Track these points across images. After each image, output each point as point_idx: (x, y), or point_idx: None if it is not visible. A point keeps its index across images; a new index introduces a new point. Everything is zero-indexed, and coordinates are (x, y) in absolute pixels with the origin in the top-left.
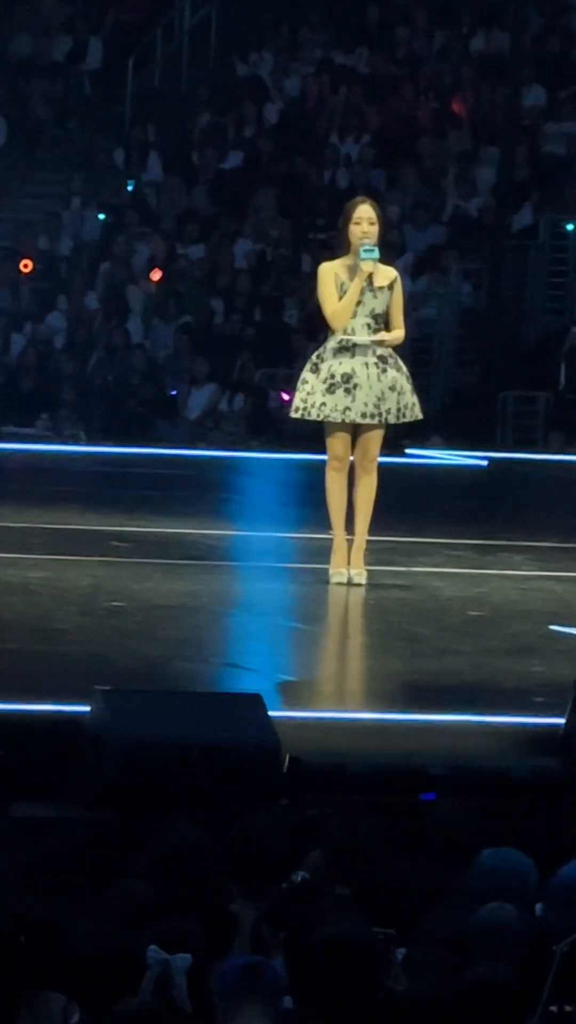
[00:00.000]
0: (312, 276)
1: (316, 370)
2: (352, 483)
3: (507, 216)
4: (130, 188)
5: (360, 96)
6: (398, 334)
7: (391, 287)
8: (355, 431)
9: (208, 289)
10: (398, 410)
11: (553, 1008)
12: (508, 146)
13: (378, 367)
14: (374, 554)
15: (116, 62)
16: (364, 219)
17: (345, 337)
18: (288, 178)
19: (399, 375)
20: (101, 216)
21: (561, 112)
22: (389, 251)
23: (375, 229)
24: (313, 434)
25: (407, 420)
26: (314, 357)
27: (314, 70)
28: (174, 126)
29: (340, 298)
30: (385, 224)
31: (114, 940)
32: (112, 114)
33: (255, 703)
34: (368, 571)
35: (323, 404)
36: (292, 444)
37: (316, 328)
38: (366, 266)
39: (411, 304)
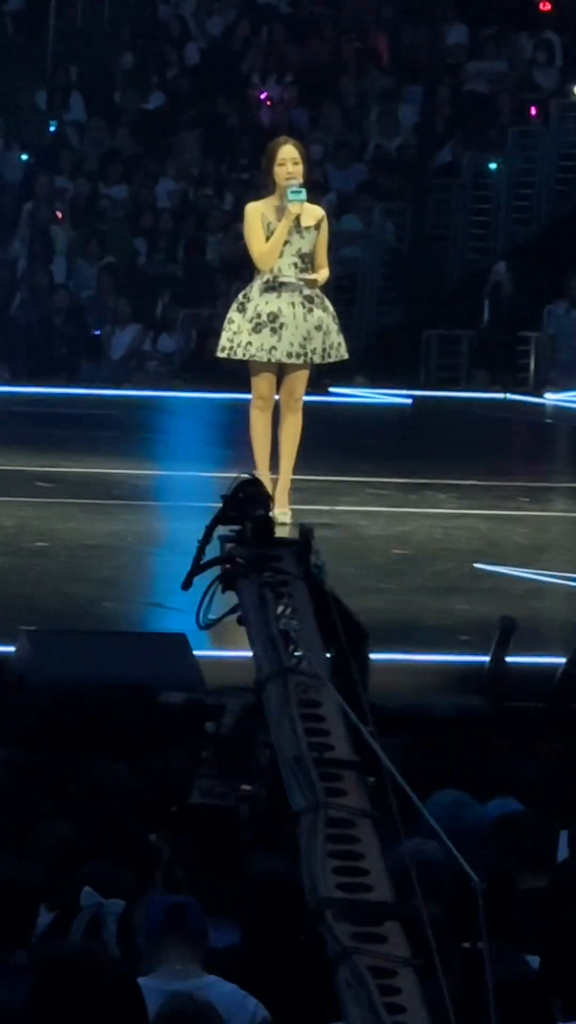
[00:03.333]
0: (235, 215)
1: (242, 309)
2: (277, 422)
3: (430, 155)
4: (52, 129)
5: (282, 36)
6: (324, 274)
7: (318, 227)
8: (280, 371)
9: (131, 229)
10: (324, 350)
11: (466, 945)
12: (430, 85)
13: (304, 307)
14: (298, 493)
15: (38, 3)
16: (288, 159)
17: (274, 277)
18: (210, 118)
19: (325, 315)
20: (23, 157)
21: (483, 51)
22: (312, 191)
23: (299, 169)
24: (237, 373)
25: (332, 360)
26: (240, 297)
27: (236, 10)
28: (96, 67)
29: (267, 238)
30: (308, 164)
31: (41, 882)
32: (34, 55)
33: (180, 643)
34: (292, 510)
35: (249, 343)
36: (217, 383)
37: (239, 268)
38: (294, 207)
39: (334, 243)
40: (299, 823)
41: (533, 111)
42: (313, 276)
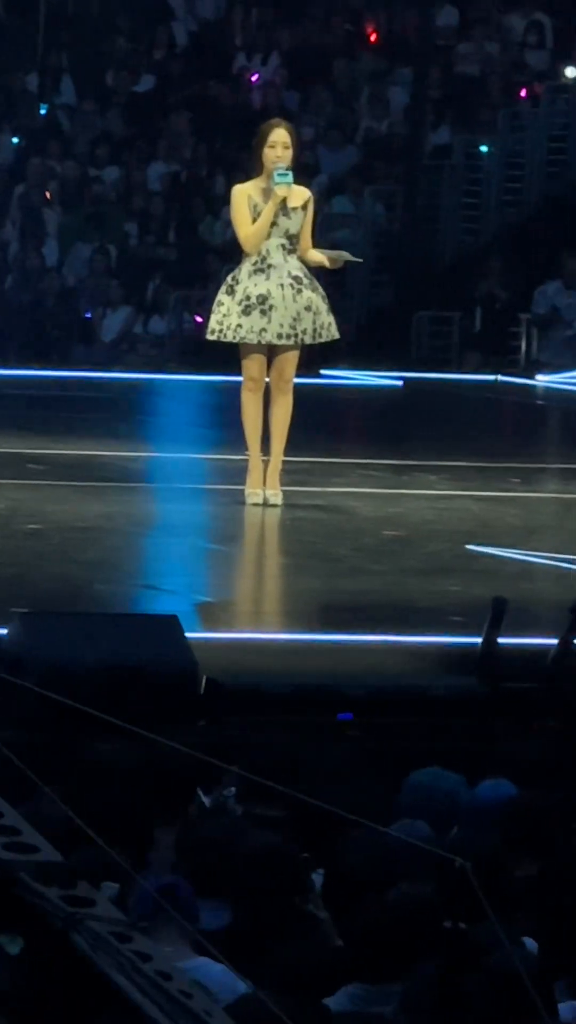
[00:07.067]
0: (227, 198)
1: (232, 292)
2: (268, 404)
3: (421, 137)
4: (43, 112)
5: (272, 18)
6: (313, 255)
7: (305, 207)
8: (271, 352)
9: (123, 212)
10: (314, 330)
11: (447, 924)
12: (421, 66)
13: (293, 288)
14: (290, 475)
15: None
16: (279, 143)
17: (262, 259)
18: (201, 100)
19: (315, 295)
20: (15, 140)
21: (474, 32)
22: (303, 173)
23: (289, 153)
24: (229, 356)
25: (323, 340)
26: (229, 279)
27: None
28: (87, 50)
29: (254, 220)
30: (299, 146)
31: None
32: (25, 39)
33: (172, 624)
34: (284, 492)
35: (239, 326)
36: (208, 366)
37: (231, 250)
38: (280, 191)
39: (326, 226)
40: None
41: (523, 93)
42: (344, 255)
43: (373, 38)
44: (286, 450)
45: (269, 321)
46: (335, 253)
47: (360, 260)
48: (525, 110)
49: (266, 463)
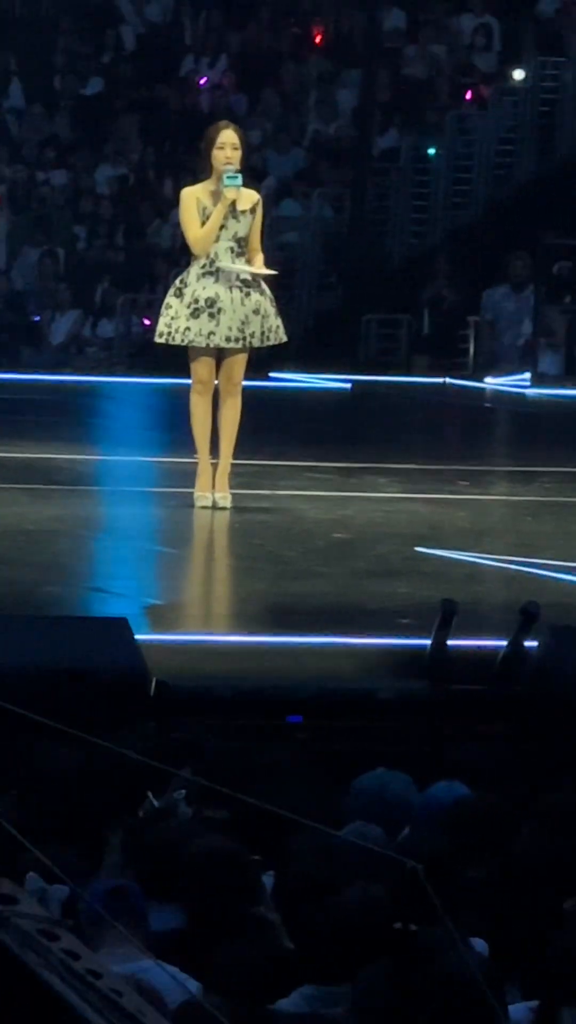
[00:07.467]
0: (175, 200)
1: (180, 295)
2: (216, 407)
3: (368, 139)
4: None
5: (220, 21)
6: (259, 259)
7: (253, 210)
8: (219, 355)
9: (71, 215)
10: (262, 333)
11: (398, 925)
12: (369, 69)
13: (241, 291)
14: (239, 477)
15: None
16: (228, 144)
17: (210, 261)
18: (149, 103)
19: (263, 298)
20: None
21: (421, 35)
22: (251, 176)
23: (238, 154)
24: (178, 359)
25: (271, 343)
26: (177, 282)
27: None
28: (35, 53)
29: (203, 223)
30: (247, 149)
31: None
32: None
33: (122, 627)
34: (233, 494)
35: (187, 329)
36: (157, 369)
37: (180, 253)
38: (229, 193)
39: (274, 229)
40: None
41: (470, 95)
42: (264, 270)
43: (318, 39)
44: (235, 453)
45: (217, 324)
46: (252, 269)
47: (275, 272)
48: (473, 113)
49: (215, 466)
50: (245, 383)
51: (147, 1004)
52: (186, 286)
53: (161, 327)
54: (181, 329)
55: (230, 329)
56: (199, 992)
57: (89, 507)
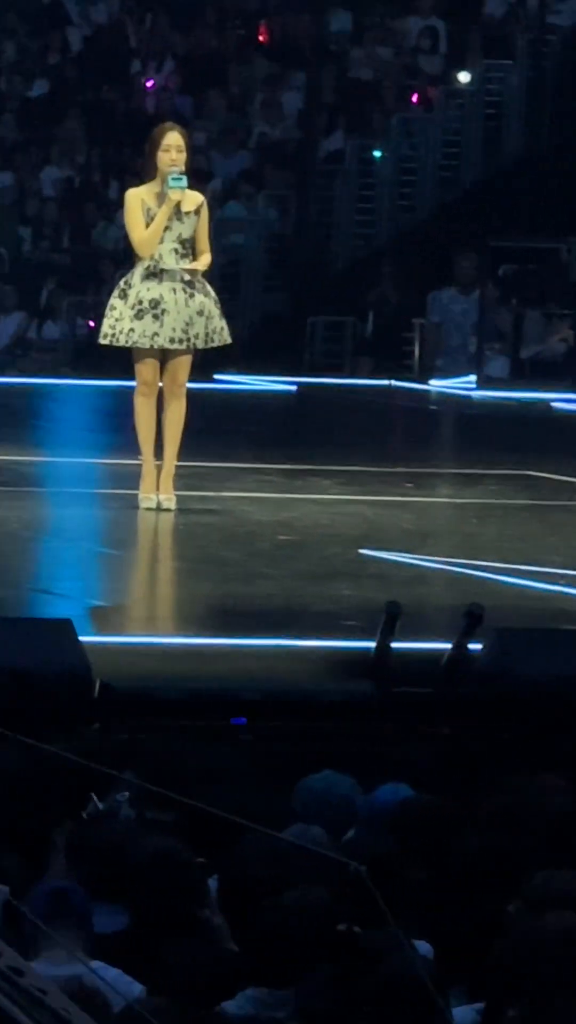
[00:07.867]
0: (121, 202)
1: (124, 296)
2: (161, 409)
3: (314, 142)
4: None
5: (166, 23)
6: (206, 259)
7: (198, 212)
8: (164, 357)
9: (16, 217)
10: (206, 335)
11: (342, 927)
12: (315, 71)
13: (186, 292)
14: (183, 479)
15: None
16: (173, 146)
17: (155, 263)
18: (95, 105)
19: (207, 300)
20: None
21: (367, 37)
22: (196, 178)
23: (183, 156)
24: (122, 360)
25: (215, 344)
26: (122, 283)
27: None
28: None
29: (147, 225)
30: (192, 151)
31: None
32: None
33: (65, 628)
34: (177, 496)
35: (131, 330)
36: (102, 371)
37: (125, 255)
38: (174, 195)
39: (219, 230)
40: None
41: (416, 98)
42: (195, 265)
43: (264, 41)
44: (179, 454)
45: (162, 325)
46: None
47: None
48: (418, 115)
49: (159, 467)
50: (190, 385)
51: (72, 1003)
52: (130, 287)
53: (105, 328)
54: (125, 330)
55: (174, 330)
56: (143, 994)
57: (33, 508)
